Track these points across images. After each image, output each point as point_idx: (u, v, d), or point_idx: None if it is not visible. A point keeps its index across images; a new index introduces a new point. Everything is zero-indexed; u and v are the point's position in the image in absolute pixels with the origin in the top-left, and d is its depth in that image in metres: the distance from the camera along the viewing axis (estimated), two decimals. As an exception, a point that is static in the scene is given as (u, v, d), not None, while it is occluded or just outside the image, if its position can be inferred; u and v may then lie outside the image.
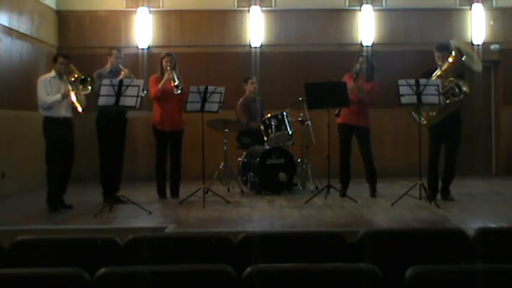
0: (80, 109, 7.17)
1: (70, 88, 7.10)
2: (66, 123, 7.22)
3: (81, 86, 7.11)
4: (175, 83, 7.72)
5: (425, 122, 7.55)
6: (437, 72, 7.45)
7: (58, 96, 7.11)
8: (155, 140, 8.10)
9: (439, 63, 7.47)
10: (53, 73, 7.26)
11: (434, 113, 7.47)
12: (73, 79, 7.14)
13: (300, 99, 8.56)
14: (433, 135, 7.59)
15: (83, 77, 7.12)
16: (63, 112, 7.20)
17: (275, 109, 8.94)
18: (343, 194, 7.85)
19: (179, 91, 7.74)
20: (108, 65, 7.77)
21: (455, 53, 7.37)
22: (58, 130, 7.13)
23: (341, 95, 7.64)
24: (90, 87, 7.12)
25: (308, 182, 8.75)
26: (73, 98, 7.11)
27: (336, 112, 7.82)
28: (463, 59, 7.37)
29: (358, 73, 7.87)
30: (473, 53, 7.95)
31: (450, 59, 7.40)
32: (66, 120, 7.21)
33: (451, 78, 7.40)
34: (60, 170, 7.33)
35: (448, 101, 7.38)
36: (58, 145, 7.16)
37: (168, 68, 7.83)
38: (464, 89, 7.38)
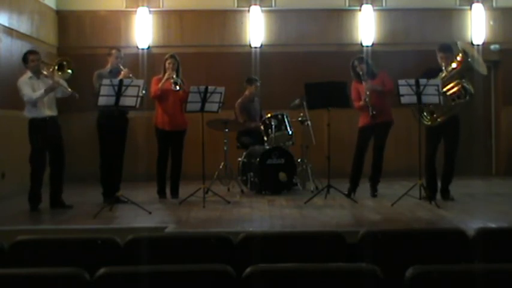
0: (70, 91, 7.15)
1: (55, 80, 7.05)
2: (52, 122, 7.20)
3: (59, 73, 7.07)
4: (173, 80, 7.74)
5: (429, 123, 7.53)
6: (442, 74, 7.38)
7: (41, 91, 7.04)
8: (157, 140, 8.11)
9: (443, 64, 7.42)
10: (28, 74, 7.17)
11: (437, 115, 7.46)
12: (51, 69, 7.10)
13: (297, 101, 8.55)
14: (431, 133, 7.59)
15: (57, 66, 7.09)
16: (47, 111, 7.17)
17: (275, 109, 8.94)
18: (349, 194, 7.80)
19: (177, 87, 7.75)
20: (109, 65, 7.77)
21: (462, 55, 7.35)
22: (45, 130, 7.11)
23: (341, 95, 7.64)
24: (70, 70, 7.09)
25: (308, 182, 8.75)
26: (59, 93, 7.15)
27: (372, 113, 7.66)
28: (469, 60, 7.33)
29: (363, 76, 7.84)
30: (479, 56, 7.91)
31: (456, 62, 7.36)
32: (51, 119, 7.19)
33: (458, 81, 7.37)
34: (52, 170, 7.33)
35: (453, 103, 7.36)
36: (45, 146, 7.16)
37: (170, 69, 7.84)
38: (470, 89, 7.37)
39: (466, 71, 7.43)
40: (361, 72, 7.85)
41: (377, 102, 7.77)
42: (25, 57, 7.26)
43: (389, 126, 8.02)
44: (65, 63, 7.11)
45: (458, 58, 7.38)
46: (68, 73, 7.10)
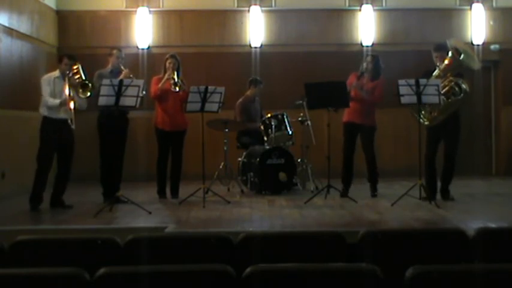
0: (71, 122, 7.16)
1: (68, 95, 7.11)
2: (65, 125, 7.21)
3: (81, 90, 7.11)
4: (173, 81, 7.74)
5: (427, 123, 7.55)
6: (436, 72, 7.46)
7: (57, 101, 7.13)
8: (157, 140, 8.10)
9: (438, 64, 7.49)
10: (57, 73, 7.29)
11: (436, 113, 7.48)
12: (77, 80, 7.14)
13: (300, 102, 8.55)
14: (431, 133, 7.59)
15: (86, 81, 7.12)
16: (62, 114, 7.20)
17: (275, 109, 8.94)
18: (344, 194, 7.82)
19: (177, 89, 7.75)
20: (109, 65, 7.77)
21: (453, 52, 7.40)
22: (55, 132, 7.15)
23: (341, 95, 7.64)
24: (89, 93, 7.11)
25: (308, 182, 8.75)
26: (71, 106, 7.13)
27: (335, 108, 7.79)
28: (461, 57, 7.39)
29: (363, 72, 7.87)
30: (471, 52, 7.96)
31: (448, 59, 7.43)
32: (64, 121, 7.21)
33: (450, 78, 7.42)
34: (59, 171, 7.36)
35: (449, 100, 7.40)
36: (52, 146, 7.20)
37: (171, 69, 7.83)
38: (464, 87, 7.41)
39: (458, 67, 7.45)
40: (365, 67, 7.88)
41: (358, 99, 7.77)
42: (60, 58, 7.41)
43: (372, 131, 8.04)
44: (90, 85, 7.12)
45: (450, 55, 7.41)
46: (86, 95, 7.12)
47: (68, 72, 7.18)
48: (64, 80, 7.21)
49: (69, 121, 7.14)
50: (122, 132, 7.65)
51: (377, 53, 8.65)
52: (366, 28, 10.77)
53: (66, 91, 7.13)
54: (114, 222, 6.45)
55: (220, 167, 8.88)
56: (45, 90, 7.20)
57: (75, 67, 7.19)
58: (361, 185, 8.19)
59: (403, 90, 7.16)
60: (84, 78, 7.13)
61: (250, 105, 9.18)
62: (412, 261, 2.88)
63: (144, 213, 6.81)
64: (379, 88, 7.90)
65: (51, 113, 7.17)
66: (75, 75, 7.16)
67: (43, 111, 7.22)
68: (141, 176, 9.70)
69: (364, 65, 7.94)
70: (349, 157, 8.01)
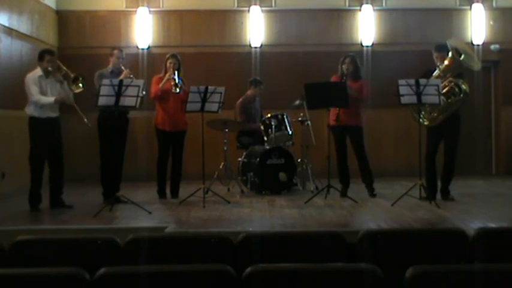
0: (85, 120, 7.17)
1: (64, 92, 7.10)
2: (52, 123, 7.20)
3: (74, 86, 7.08)
4: (174, 82, 7.73)
5: (427, 123, 7.55)
6: (436, 72, 7.46)
7: (51, 99, 7.09)
8: (157, 141, 8.10)
9: (438, 64, 7.49)
10: (39, 71, 7.18)
11: (435, 114, 7.48)
12: (61, 76, 7.10)
13: (297, 102, 8.56)
14: (432, 133, 7.59)
15: (73, 77, 7.08)
16: (49, 112, 7.18)
17: (275, 109, 8.94)
18: (343, 194, 7.84)
19: (178, 90, 7.75)
20: (110, 65, 7.77)
21: (453, 53, 7.40)
22: (43, 130, 7.12)
23: (341, 95, 7.63)
24: (81, 85, 7.08)
25: (308, 182, 8.75)
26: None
27: (336, 117, 7.76)
28: (461, 58, 7.40)
29: (346, 74, 7.86)
30: (472, 52, 7.97)
31: (448, 59, 7.43)
32: (51, 120, 7.19)
33: (450, 78, 7.42)
34: (52, 170, 7.34)
35: (449, 101, 7.40)
36: (43, 145, 7.18)
37: (172, 69, 7.83)
38: (464, 87, 7.41)
39: (458, 67, 7.45)
40: (346, 71, 7.87)
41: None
42: (42, 55, 7.25)
43: (360, 131, 8.04)
44: (81, 78, 7.09)
45: (450, 56, 7.42)
46: (80, 88, 7.10)
47: (51, 69, 7.11)
48: (47, 78, 7.15)
49: (85, 120, 7.12)
50: (122, 132, 7.65)
51: (377, 53, 8.65)
52: (366, 28, 10.77)
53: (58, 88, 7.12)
54: (114, 222, 6.45)
55: (220, 167, 8.88)
56: (34, 89, 7.09)
57: (54, 64, 7.13)
58: (360, 185, 8.17)
59: (403, 90, 7.16)
60: (70, 73, 7.09)
61: (250, 105, 9.18)
62: (412, 261, 2.88)
63: (144, 213, 6.81)
64: (366, 87, 7.94)
65: (40, 113, 7.13)
66: (59, 70, 7.12)
67: (31, 111, 7.15)
68: (141, 176, 9.71)
69: (344, 66, 7.91)
70: (343, 158, 8.01)
